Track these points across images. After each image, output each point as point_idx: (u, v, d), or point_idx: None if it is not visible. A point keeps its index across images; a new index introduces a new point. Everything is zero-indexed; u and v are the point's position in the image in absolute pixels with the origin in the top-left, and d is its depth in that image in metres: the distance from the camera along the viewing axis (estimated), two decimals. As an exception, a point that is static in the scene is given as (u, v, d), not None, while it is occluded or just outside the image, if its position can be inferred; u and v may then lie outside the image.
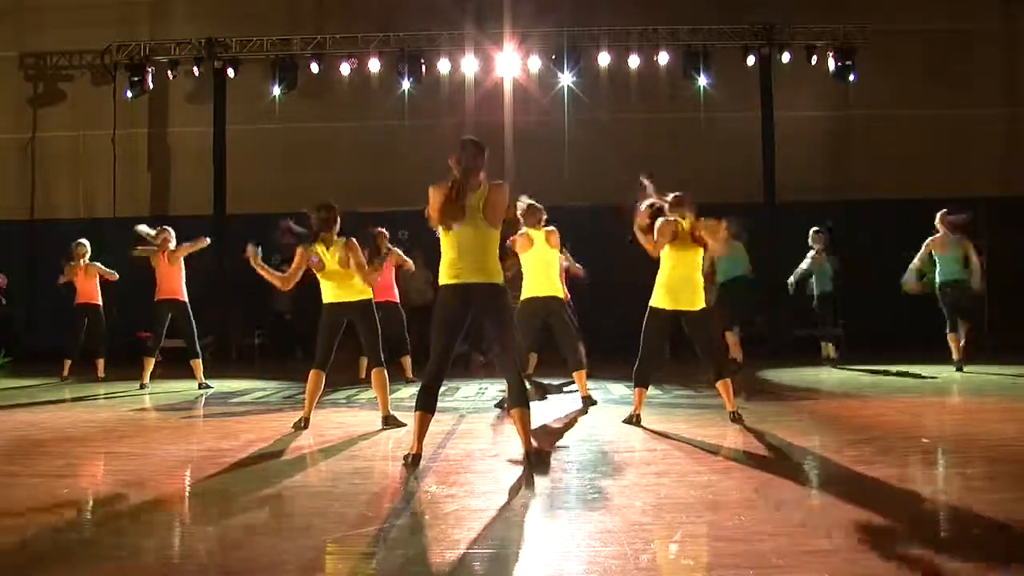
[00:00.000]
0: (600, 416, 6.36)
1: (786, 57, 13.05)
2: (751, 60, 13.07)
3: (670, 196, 5.74)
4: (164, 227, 9.03)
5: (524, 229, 6.50)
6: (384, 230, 8.64)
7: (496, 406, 6.77)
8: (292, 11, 13.95)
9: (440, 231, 4.44)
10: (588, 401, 6.86)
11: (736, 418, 5.67)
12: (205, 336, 12.17)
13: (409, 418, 4.81)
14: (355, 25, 13.33)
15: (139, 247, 8.95)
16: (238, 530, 3.39)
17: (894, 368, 9.27)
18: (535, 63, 13.15)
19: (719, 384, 5.74)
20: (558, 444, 5.18)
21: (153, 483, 4.22)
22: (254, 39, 13.24)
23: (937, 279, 9.23)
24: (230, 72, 13.40)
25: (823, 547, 2.90)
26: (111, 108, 13.67)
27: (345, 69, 13.25)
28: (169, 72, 13.38)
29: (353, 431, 5.73)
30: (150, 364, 8.66)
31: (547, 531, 3.22)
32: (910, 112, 13.21)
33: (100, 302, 9.92)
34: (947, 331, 9.11)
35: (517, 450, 4.65)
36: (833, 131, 13.70)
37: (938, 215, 9.29)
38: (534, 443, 4.48)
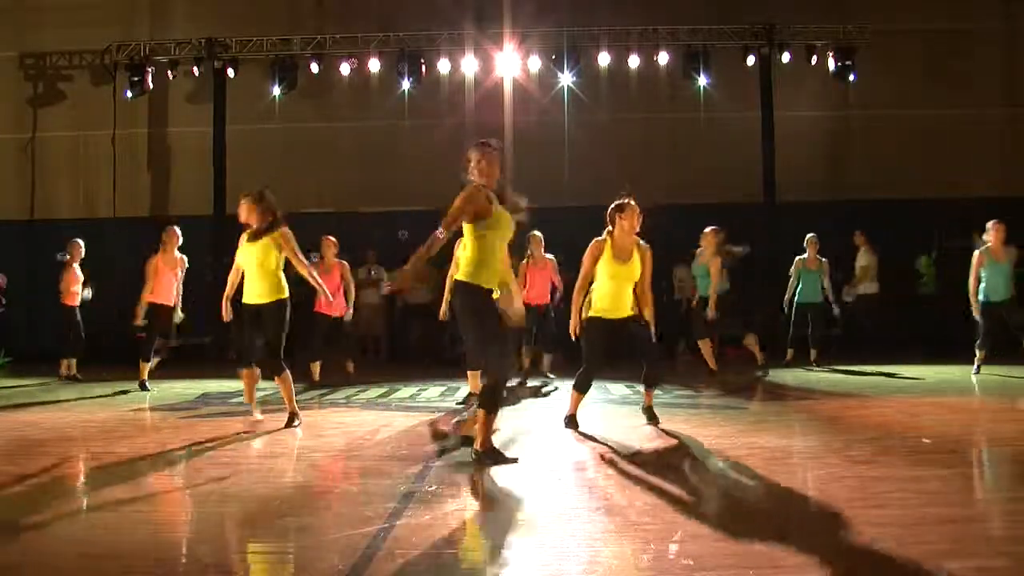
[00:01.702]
0: (600, 416, 6.36)
1: (786, 57, 13.03)
2: (751, 60, 13.06)
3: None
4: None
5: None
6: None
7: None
8: (292, 11, 13.93)
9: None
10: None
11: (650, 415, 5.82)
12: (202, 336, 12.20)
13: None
14: (355, 25, 13.31)
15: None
16: (237, 530, 3.40)
17: (893, 369, 9.27)
18: (535, 63, 13.14)
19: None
20: (557, 444, 5.19)
21: (152, 483, 4.22)
22: (254, 39, 13.23)
23: (983, 296, 8.56)
24: (230, 72, 13.39)
25: (823, 547, 2.90)
26: (111, 108, 13.65)
27: (345, 69, 13.24)
28: (169, 72, 13.36)
29: (353, 431, 5.74)
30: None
31: (547, 531, 3.22)
32: (910, 112, 13.20)
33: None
34: (977, 344, 8.62)
35: (517, 450, 4.66)
36: (833, 131, 13.69)
37: (990, 225, 8.71)
38: (489, 442, 4.47)
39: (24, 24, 13.98)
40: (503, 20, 12.78)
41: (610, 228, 5.62)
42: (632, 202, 5.59)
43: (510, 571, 2.79)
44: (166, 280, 8.60)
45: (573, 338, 5.66)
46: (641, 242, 5.66)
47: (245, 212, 6.03)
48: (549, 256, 9.09)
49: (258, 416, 6.21)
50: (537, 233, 8.99)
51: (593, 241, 5.64)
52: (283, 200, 14.21)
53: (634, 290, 5.67)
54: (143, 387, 8.46)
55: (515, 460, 4.46)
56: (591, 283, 5.65)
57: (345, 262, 8.97)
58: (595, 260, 5.59)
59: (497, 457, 4.42)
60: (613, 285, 5.57)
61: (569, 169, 13.11)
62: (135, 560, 2.94)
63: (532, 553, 2.96)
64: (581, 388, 5.68)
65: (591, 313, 5.62)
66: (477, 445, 4.46)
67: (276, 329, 5.86)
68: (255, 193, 6.03)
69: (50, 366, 9.97)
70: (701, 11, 13.17)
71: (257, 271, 5.90)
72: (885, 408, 6.47)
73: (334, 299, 8.55)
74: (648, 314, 5.66)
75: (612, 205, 5.63)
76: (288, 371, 5.88)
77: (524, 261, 8.88)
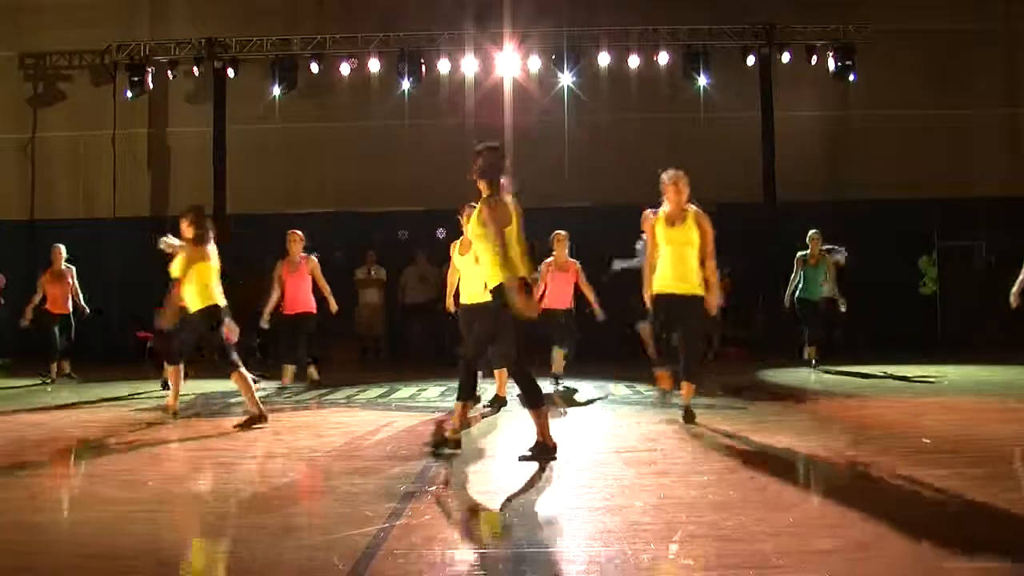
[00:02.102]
0: (600, 416, 6.36)
1: (786, 57, 13.03)
2: (751, 60, 13.06)
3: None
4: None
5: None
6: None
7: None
8: (292, 11, 13.94)
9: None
10: (499, 401, 6.82)
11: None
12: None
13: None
14: (355, 25, 13.31)
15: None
16: (238, 530, 3.40)
17: (893, 369, 9.26)
18: (535, 63, 13.14)
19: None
20: (557, 444, 5.18)
21: (152, 483, 4.22)
22: (254, 39, 13.23)
23: None
24: (230, 72, 13.39)
25: (823, 547, 2.90)
26: (111, 108, 13.66)
27: (345, 69, 13.23)
28: (169, 72, 13.36)
29: (353, 431, 5.74)
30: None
31: (547, 531, 3.22)
32: (910, 112, 13.20)
33: (70, 308, 9.82)
34: None
35: (517, 451, 4.66)
36: (833, 131, 13.69)
37: None
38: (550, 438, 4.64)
39: (24, 24, 13.98)
40: (503, 20, 12.78)
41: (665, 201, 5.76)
42: (675, 171, 5.72)
43: (511, 571, 2.79)
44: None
45: (648, 310, 5.82)
46: (696, 208, 5.70)
47: (183, 227, 6.39)
48: (573, 259, 8.27)
49: (171, 419, 6.35)
50: (561, 232, 8.26)
51: (647, 212, 5.91)
52: (283, 200, 14.26)
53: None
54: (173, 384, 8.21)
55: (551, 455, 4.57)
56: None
57: (313, 257, 8.42)
58: (652, 231, 5.75)
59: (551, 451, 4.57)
60: (671, 251, 5.63)
61: (569, 169, 13.11)
62: (135, 560, 2.94)
63: (532, 553, 2.96)
64: (664, 363, 5.82)
65: (654, 290, 5.73)
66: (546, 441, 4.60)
67: (207, 332, 6.26)
68: (192, 210, 6.45)
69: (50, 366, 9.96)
70: (701, 11, 13.17)
71: (184, 280, 6.24)
72: (885, 408, 6.47)
73: (302, 296, 8.26)
74: (711, 280, 5.64)
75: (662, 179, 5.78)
76: (241, 371, 6.04)
77: (547, 261, 8.12)
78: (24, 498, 3.90)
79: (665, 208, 5.72)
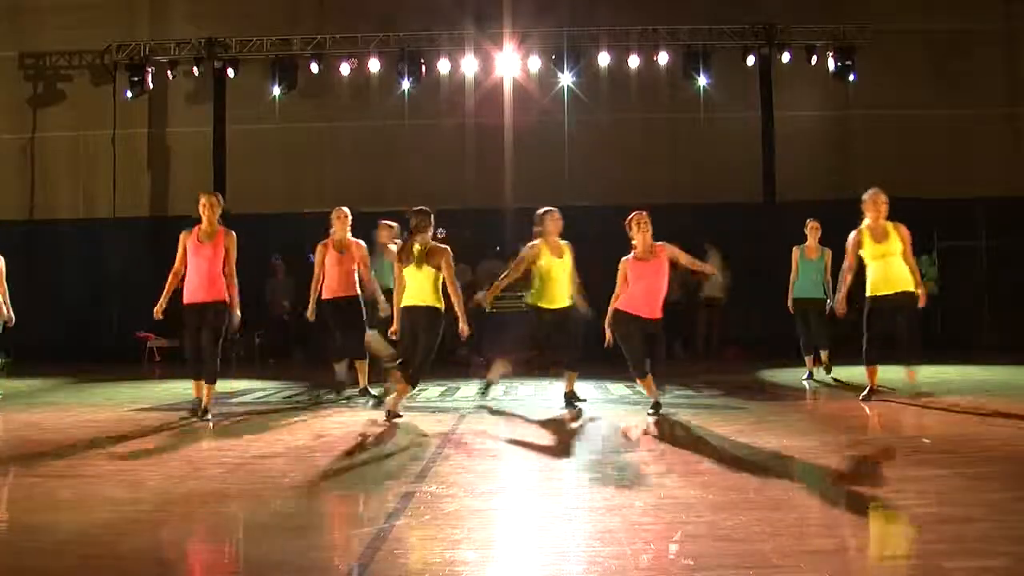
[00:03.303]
0: (599, 416, 6.36)
1: (786, 57, 13.03)
2: (751, 60, 13.06)
3: None
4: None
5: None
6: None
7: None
8: (292, 11, 13.94)
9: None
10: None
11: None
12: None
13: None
14: (355, 25, 13.32)
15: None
16: (238, 530, 3.40)
17: (893, 369, 9.23)
18: (535, 63, 13.14)
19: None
20: (557, 444, 5.19)
21: (153, 483, 4.22)
22: (254, 39, 13.23)
23: None
24: (230, 72, 13.39)
25: (823, 547, 2.90)
26: (111, 108, 13.66)
27: (345, 69, 13.24)
28: (169, 72, 13.37)
29: (353, 431, 5.74)
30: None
31: (547, 531, 3.22)
32: (910, 112, 13.19)
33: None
34: None
35: (517, 450, 4.66)
36: (833, 131, 13.68)
37: None
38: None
39: (24, 24, 13.98)
40: (503, 20, 12.78)
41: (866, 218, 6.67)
42: (874, 190, 6.71)
43: (510, 571, 2.79)
44: (332, 271, 7.50)
45: (840, 314, 6.88)
46: (894, 223, 6.65)
47: None
48: (661, 243, 6.19)
49: None
50: (642, 213, 6.22)
51: (852, 233, 6.72)
52: (283, 200, 14.20)
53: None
54: (365, 393, 7.48)
55: None
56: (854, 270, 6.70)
57: (233, 232, 6.41)
58: (856, 247, 6.67)
59: None
60: (879, 264, 6.57)
61: (569, 169, 13.11)
62: (135, 561, 2.94)
63: (532, 553, 2.96)
64: (872, 361, 6.63)
65: (868, 294, 6.59)
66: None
67: None
68: None
69: (50, 366, 9.94)
70: (701, 11, 13.17)
71: None
72: (885, 408, 6.47)
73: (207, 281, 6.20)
74: (916, 277, 6.57)
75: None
76: None
77: (625, 259, 6.17)
78: (25, 499, 3.90)
79: (868, 224, 6.67)
